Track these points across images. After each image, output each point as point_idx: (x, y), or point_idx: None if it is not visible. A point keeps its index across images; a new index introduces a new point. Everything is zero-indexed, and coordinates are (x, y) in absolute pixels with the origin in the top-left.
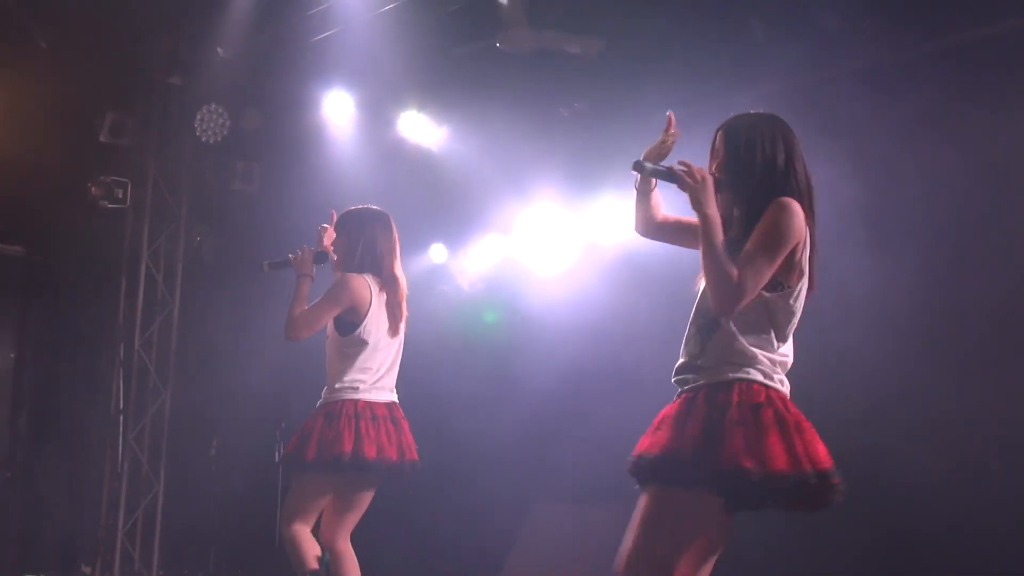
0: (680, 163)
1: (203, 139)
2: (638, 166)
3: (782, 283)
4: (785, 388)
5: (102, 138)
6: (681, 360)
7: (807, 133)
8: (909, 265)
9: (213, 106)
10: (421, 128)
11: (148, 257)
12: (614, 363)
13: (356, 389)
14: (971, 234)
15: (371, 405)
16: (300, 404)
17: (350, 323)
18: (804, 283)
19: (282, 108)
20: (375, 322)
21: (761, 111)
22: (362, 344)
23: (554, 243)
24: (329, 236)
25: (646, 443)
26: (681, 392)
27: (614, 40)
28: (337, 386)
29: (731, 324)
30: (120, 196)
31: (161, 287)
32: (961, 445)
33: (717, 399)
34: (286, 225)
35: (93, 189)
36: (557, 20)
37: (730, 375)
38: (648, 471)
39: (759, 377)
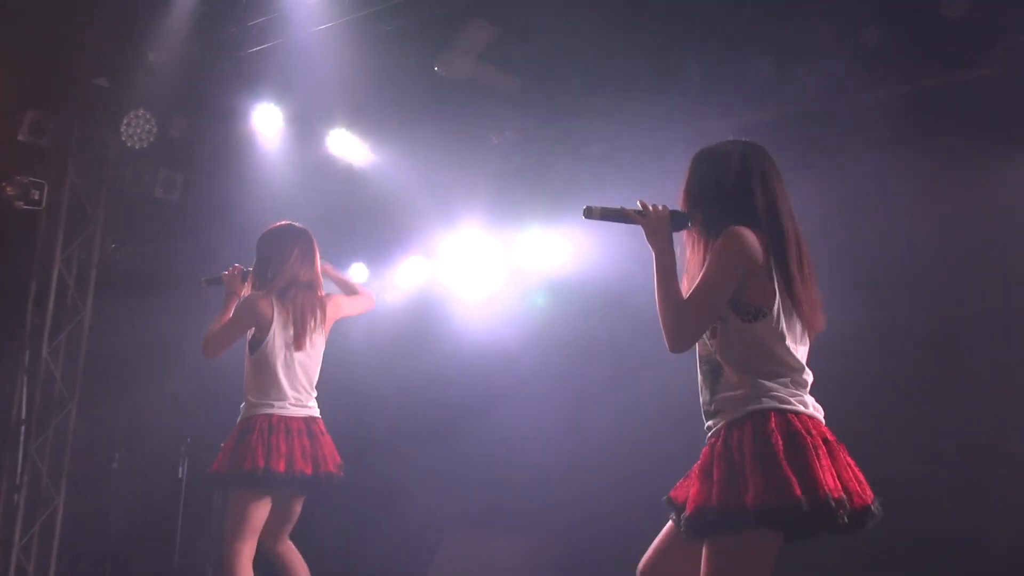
0: (639, 201)
1: (129, 144)
2: (588, 212)
3: (761, 309)
4: (809, 408)
5: (20, 137)
6: (702, 409)
7: None
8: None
9: (141, 111)
10: (349, 146)
11: (61, 262)
12: (529, 389)
13: (270, 404)
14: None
15: (285, 419)
16: (208, 420)
17: (257, 340)
18: (779, 303)
19: (211, 118)
20: (279, 339)
21: (738, 138)
22: (268, 360)
23: (478, 268)
24: None
25: (682, 497)
26: (707, 440)
27: (549, 72)
28: (252, 400)
29: (730, 362)
30: (36, 197)
31: (73, 293)
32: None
33: (733, 438)
34: (206, 237)
35: (8, 189)
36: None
37: (745, 409)
38: (692, 530)
39: (773, 404)
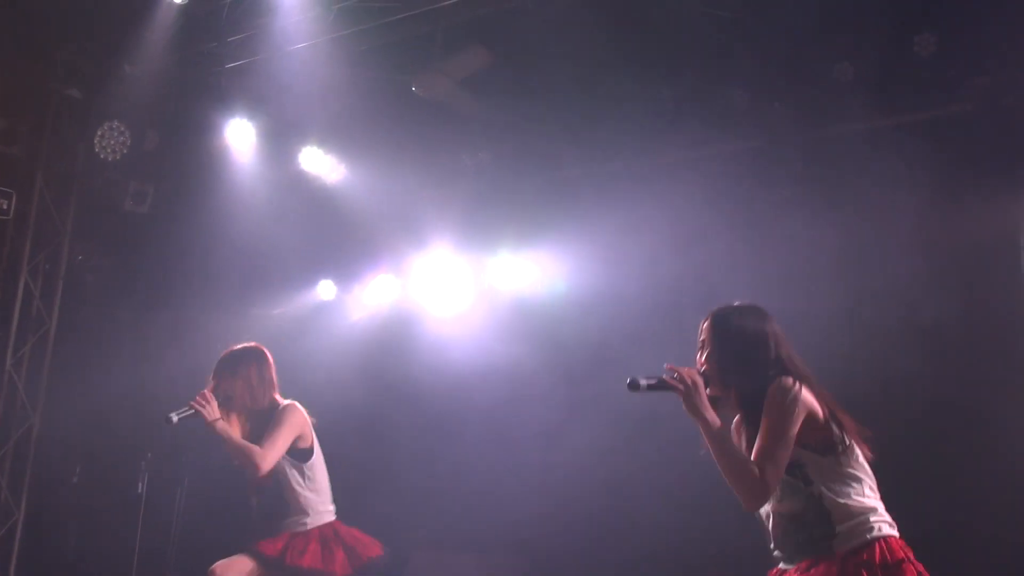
0: (668, 368)
1: (102, 156)
2: (633, 384)
3: (835, 444)
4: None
5: None
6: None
7: (704, 201)
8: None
9: (115, 123)
10: (322, 164)
11: (27, 273)
12: (500, 408)
13: (331, 512)
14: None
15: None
16: (170, 436)
17: (304, 450)
18: (847, 438)
19: (184, 131)
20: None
21: (743, 303)
22: (323, 467)
23: (448, 287)
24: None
25: None
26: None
27: (523, 96)
28: (320, 509)
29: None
30: (4, 207)
31: (38, 304)
32: None
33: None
34: (175, 251)
35: None
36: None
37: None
38: None
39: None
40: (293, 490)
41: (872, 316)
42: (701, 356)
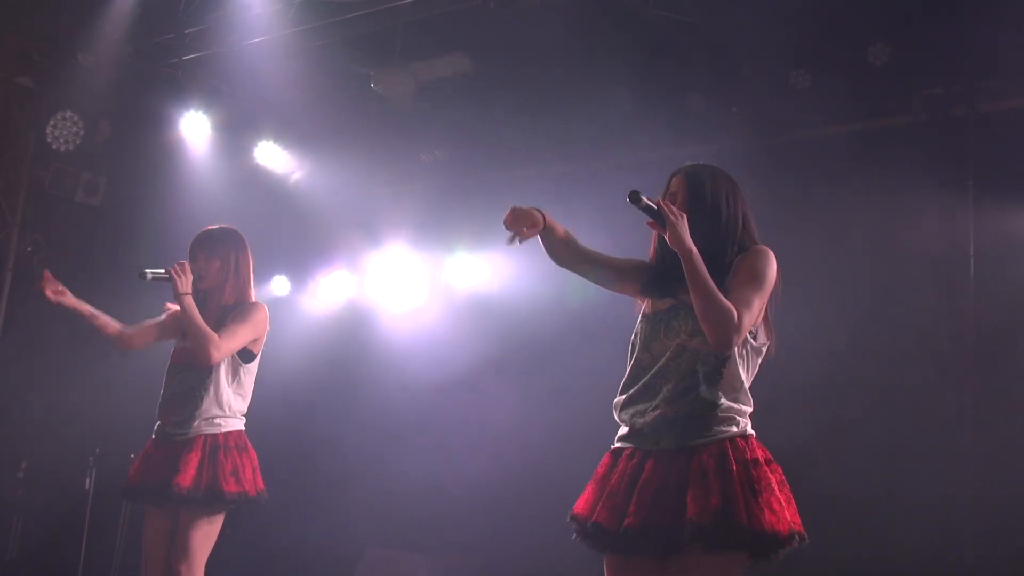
0: (659, 201)
1: (54, 146)
2: (635, 197)
3: (756, 334)
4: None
5: None
6: (654, 416)
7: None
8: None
9: (68, 113)
10: (277, 159)
11: None
12: (456, 408)
13: (241, 420)
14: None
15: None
16: (117, 431)
17: (250, 352)
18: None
19: (138, 123)
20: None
21: (707, 163)
22: (253, 375)
23: (403, 285)
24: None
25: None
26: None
27: (481, 95)
28: (233, 414)
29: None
30: None
31: None
32: None
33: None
34: (127, 243)
35: None
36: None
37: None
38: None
39: (749, 430)
40: (220, 382)
41: (824, 324)
42: (640, 201)
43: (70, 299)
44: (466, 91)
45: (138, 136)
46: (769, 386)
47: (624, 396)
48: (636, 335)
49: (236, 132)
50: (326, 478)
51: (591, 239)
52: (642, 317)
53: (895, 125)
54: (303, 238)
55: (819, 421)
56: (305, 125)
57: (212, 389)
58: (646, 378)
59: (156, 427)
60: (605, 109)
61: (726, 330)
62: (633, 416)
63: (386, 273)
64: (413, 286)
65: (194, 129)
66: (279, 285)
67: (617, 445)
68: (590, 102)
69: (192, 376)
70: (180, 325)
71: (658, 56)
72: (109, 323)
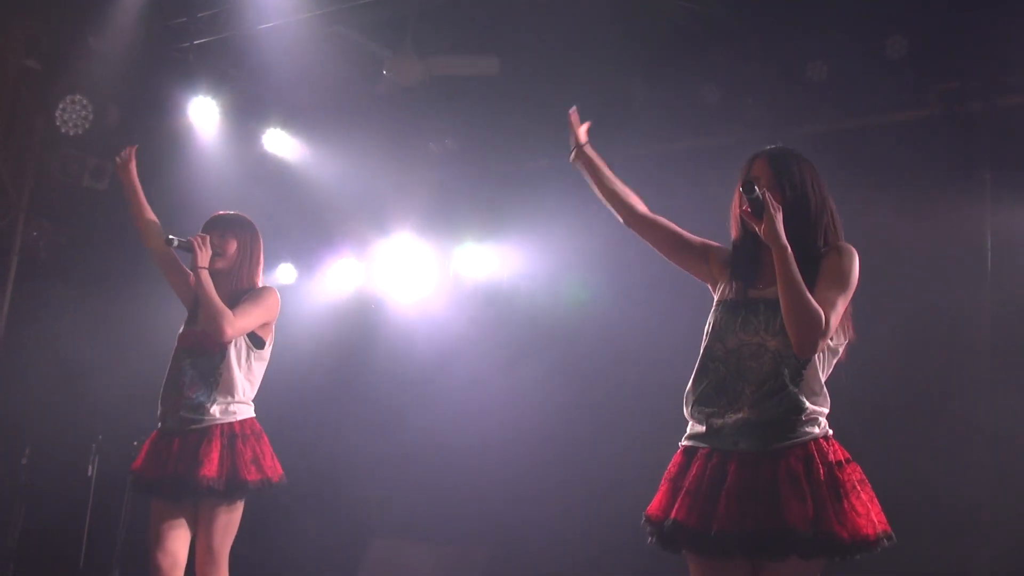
0: (765, 192)
1: (63, 130)
2: (748, 188)
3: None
4: None
5: None
6: (736, 419)
7: (672, 195)
8: None
9: (77, 97)
10: (286, 145)
11: None
12: (462, 397)
13: (251, 404)
14: None
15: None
16: (121, 418)
17: (262, 339)
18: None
19: (148, 107)
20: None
21: (785, 146)
22: (266, 364)
23: (411, 274)
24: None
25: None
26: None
27: (492, 84)
28: (247, 402)
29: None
30: None
31: None
32: None
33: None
34: (134, 228)
35: None
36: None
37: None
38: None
39: (829, 430)
40: (230, 366)
41: None
42: (755, 192)
43: (132, 172)
44: (478, 81)
45: (147, 121)
46: None
47: (696, 392)
48: (711, 323)
49: (245, 118)
50: (332, 468)
51: (603, 231)
52: (718, 305)
53: (911, 119)
54: (310, 226)
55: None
56: (314, 112)
57: (226, 375)
58: (721, 375)
59: (161, 414)
60: (619, 100)
61: (813, 335)
62: (710, 417)
63: (393, 262)
64: (421, 276)
65: (203, 114)
66: (285, 273)
67: (689, 444)
68: (604, 93)
69: (204, 362)
70: (189, 298)
71: (673, 47)
72: (146, 209)
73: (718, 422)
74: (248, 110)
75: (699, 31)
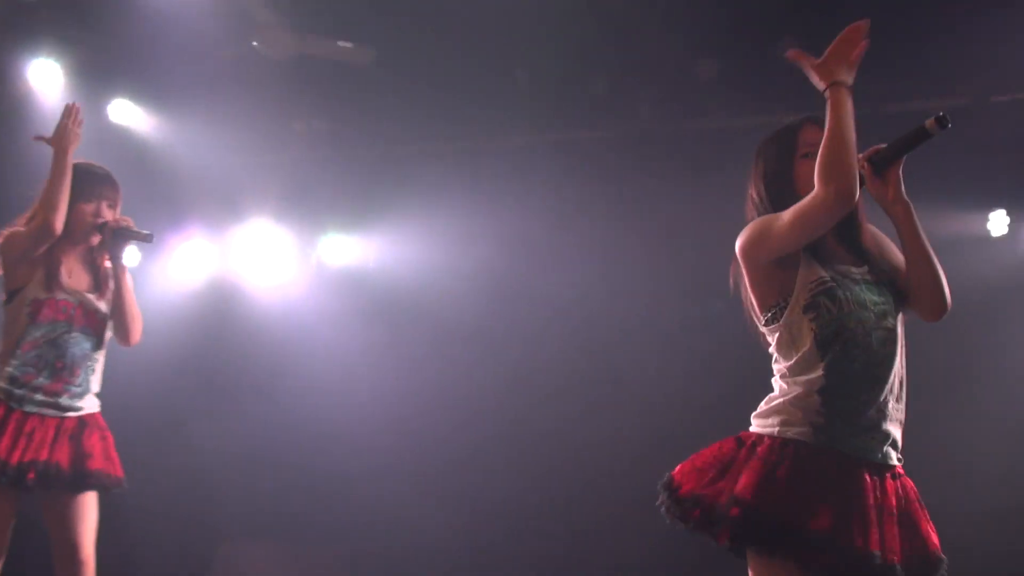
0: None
1: None
2: (944, 121)
3: None
4: None
5: None
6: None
7: (553, 187)
8: None
9: None
10: (134, 117)
11: None
12: (321, 390)
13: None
14: None
15: None
16: None
17: None
18: None
19: None
20: None
21: None
22: None
23: (269, 260)
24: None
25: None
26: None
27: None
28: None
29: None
30: None
31: None
32: None
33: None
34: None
35: None
36: (324, 27)
37: None
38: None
39: None
40: (100, 362)
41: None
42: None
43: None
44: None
45: None
46: None
47: (828, 380)
48: (824, 283)
49: (92, 83)
50: (180, 467)
51: (470, 220)
52: (818, 280)
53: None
54: (158, 205)
55: None
56: (168, 79)
57: (101, 359)
58: (862, 360)
59: (24, 394)
60: (498, 88)
61: (942, 300)
62: (850, 414)
63: (250, 247)
64: (280, 262)
65: (44, 78)
66: (128, 254)
67: (792, 435)
68: (483, 80)
69: (89, 343)
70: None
71: (558, 37)
72: None
73: (861, 422)
74: (95, 75)
75: (588, 22)
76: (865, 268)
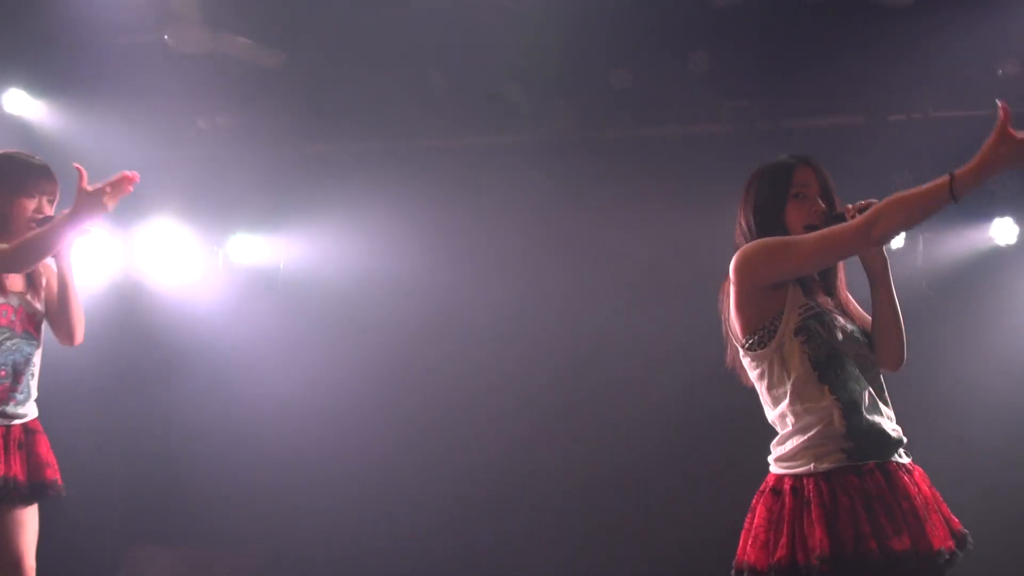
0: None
1: None
2: (839, 217)
3: None
4: None
5: None
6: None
7: (469, 190)
8: None
9: None
10: (30, 108)
11: None
12: (235, 390)
13: None
14: None
15: None
16: None
17: None
18: None
19: None
20: None
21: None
22: None
23: (173, 259)
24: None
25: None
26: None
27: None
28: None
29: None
30: None
31: None
32: None
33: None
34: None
35: None
36: (237, 25)
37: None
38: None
39: None
40: (39, 365)
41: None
42: (821, 201)
43: None
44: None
45: None
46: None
47: (840, 403)
48: (811, 308)
49: None
50: (84, 470)
51: (376, 223)
52: (806, 306)
53: (702, 133)
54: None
55: None
56: (67, 67)
57: (39, 362)
58: (856, 377)
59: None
60: (413, 89)
61: (903, 353)
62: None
63: (154, 245)
64: (186, 261)
65: None
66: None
67: (828, 467)
68: (398, 80)
69: (30, 347)
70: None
71: (473, 43)
72: None
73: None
74: None
75: (500, 23)
76: (835, 303)
